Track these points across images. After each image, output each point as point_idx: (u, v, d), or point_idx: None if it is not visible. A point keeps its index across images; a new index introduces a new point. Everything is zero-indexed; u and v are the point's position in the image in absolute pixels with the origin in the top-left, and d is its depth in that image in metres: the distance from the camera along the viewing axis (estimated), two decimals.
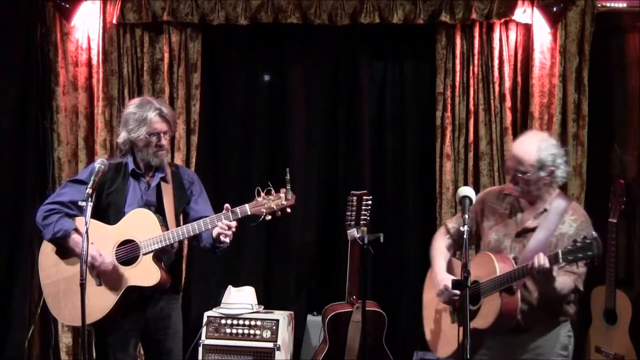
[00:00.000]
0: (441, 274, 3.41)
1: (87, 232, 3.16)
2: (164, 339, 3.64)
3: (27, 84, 5.22)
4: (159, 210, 3.59)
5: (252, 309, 4.92)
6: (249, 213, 3.46)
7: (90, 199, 3.23)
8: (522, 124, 4.99)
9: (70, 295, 3.49)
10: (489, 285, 3.18)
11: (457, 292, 3.23)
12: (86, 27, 5.15)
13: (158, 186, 3.63)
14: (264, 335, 4.83)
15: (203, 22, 5.11)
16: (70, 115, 5.21)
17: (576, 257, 2.98)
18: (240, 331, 4.85)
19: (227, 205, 3.48)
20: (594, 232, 3.01)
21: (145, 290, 3.51)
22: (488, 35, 5.04)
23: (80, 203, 3.26)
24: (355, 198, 4.45)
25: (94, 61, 5.16)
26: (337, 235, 5.13)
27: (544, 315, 3.29)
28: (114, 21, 5.10)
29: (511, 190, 3.38)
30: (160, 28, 5.15)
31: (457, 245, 3.58)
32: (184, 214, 3.75)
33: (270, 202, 3.44)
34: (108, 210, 3.58)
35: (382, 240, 4.48)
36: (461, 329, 3.26)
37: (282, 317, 4.88)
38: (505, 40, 5.02)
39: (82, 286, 3.14)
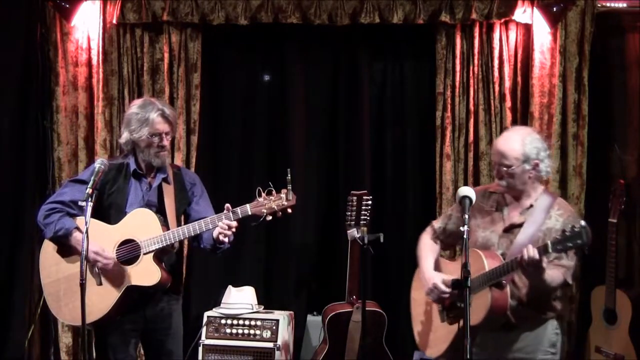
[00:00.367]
0: (429, 272, 3.41)
1: (87, 231, 3.17)
2: (164, 339, 3.65)
3: (27, 84, 5.22)
4: (160, 211, 3.59)
5: (252, 309, 4.92)
6: (250, 213, 3.46)
7: (90, 199, 3.24)
8: (522, 124, 4.96)
9: (70, 295, 3.49)
10: (479, 281, 3.16)
11: (447, 289, 3.25)
12: (86, 27, 5.15)
13: (159, 187, 3.63)
14: (264, 335, 4.83)
15: (203, 22, 5.11)
16: (70, 115, 5.21)
17: (565, 247, 2.97)
18: (240, 331, 4.85)
19: (227, 205, 3.48)
20: (582, 222, 2.98)
21: (146, 290, 3.51)
22: (488, 35, 5.05)
23: (80, 203, 3.27)
24: (355, 198, 4.44)
25: (94, 61, 5.16)
26: (337, 235, 5.13)
27: (532, 311, 3.29)
28: (114, 21, 5.10)
29: (496, 188, 3.41)
30: (160, 28, 5.15)
31: (443, 245, 3.60)
32: (185, 215, 3.75)
33: (271, 202, 3.44)
34: (109, 211, 3.58)
35: (382, 240, 4.46)
36: (452, 327, 3.30)
37: (282, 317, 4.87)
38: (505, 40, 5.03)
39: (82, 286, 3.14)
